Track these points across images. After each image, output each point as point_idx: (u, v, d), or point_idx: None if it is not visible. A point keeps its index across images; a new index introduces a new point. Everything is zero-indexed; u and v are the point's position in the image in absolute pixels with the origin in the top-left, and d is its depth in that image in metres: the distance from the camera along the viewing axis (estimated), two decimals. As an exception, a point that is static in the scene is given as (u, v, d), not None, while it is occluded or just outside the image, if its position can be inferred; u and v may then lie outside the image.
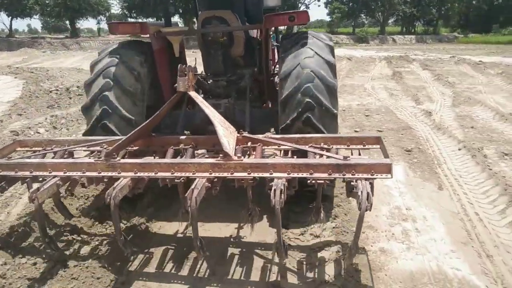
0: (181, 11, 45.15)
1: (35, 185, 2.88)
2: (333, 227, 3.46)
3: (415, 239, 3.35)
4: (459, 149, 5.60)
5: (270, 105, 4.69)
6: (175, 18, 47.50)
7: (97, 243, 3.38)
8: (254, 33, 4.98)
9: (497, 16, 56.92)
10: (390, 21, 61.99)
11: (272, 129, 4.45)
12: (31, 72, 14.92)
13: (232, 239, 3.47)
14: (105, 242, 3.39)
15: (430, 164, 5.07)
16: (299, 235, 3.42)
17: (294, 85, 3.47)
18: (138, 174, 2.85)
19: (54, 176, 2.91)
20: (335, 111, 3.53)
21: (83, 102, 3.91)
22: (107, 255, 3.21)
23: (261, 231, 3.48)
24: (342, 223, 3.55)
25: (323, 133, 3.38)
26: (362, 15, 60.22)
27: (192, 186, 2.63)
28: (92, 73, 3.91)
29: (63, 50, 31.94)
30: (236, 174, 2.74)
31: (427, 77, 14.30)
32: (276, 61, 4.99)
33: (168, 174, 2.82)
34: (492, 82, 12.59)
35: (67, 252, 3.23)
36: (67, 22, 48.92)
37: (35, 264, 3.07)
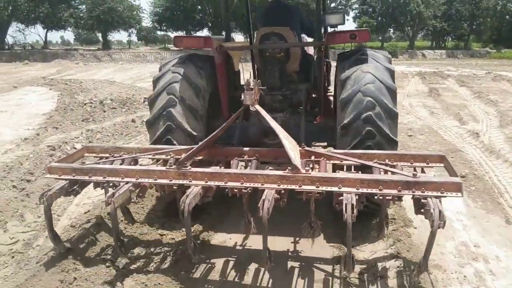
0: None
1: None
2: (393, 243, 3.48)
3: (492, 284, 2.99)
4: (519, 176, 5.18)
5: (322, 119, 4.52)
6: (204, 32, 48.11)
7: (161, 250, 3.48)
8: (309, 49, 5.12)
9: (532, 31, 55.29)
10: (419, 36, 60.96)
11: (325, 143, 4.43)
12: (65, 84, 15.18)
13: (290, 253, 3.49)
14: (168, 250, 3.49)
15: (490, 193, 4.68)
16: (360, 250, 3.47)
17: (355, 112, 3.46)
18: (209, 183, 2.93)
19: (127, 182, 3.03)
20: (396, 139, 3.54)
21: (148, 117, 4.02)
22: (172, 263, 3.30)
23: (318, 245, 3.51)
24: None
25: None
26: (391, 29, 59.55)
27: (263, 197, 2.71)
28: (155, 89, 4.01)
29: (95, 62, 32.64)
30: (304, 187, 2.78)
31: (466, 94, 13.75)
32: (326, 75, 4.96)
33: (237, 184, 2.89)
34: (538, 101, 11.97)
35: (133, 259, 3.32)
36: (99, 34, 50.08)
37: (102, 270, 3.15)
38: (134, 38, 67.25)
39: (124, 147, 3.80)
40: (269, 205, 2.62)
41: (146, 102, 10.95)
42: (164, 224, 3.94)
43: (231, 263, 3.34)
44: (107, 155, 3.61)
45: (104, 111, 9.95)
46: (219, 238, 3.77)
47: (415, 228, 3.83)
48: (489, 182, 5.07)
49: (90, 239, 3.56)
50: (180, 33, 51.55)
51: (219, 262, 3.34)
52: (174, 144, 3.68)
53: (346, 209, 2.54)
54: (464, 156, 6.27)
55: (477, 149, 6.71)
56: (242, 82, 4.73)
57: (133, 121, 8.39)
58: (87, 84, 15.70)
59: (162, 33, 58.25)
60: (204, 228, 3.85)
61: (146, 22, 51.99)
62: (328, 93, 4.95)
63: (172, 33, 54.59)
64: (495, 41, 60.13)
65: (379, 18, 52.70)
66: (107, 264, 3.21)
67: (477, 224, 3.90)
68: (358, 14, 55.29)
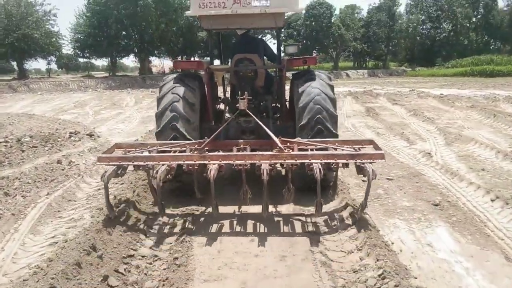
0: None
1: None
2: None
3: None
4: (492, 200, 4.94)
5: (284, 121, 6.16)
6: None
7: (175, 219, 4.77)
8: (270, 70, 6.68)
9: (440, 51, 60.39)
10: (341, 57, 63.99)
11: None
12: (-27, 120, 13.27)
13: (275, 213, 4.93)
14: (181, 218, 4.81)
15: (474, 223, 4.34)
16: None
17: (310, 115, 5.06)
18: (223, 162, 4.33)
19: (163, 164, 4.33)
20: (337, 133, 5.20)
21: (156, 129, 5.36)
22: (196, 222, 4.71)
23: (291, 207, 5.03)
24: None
25: None
26: (315, 52, 61.90)
27: (262, 167, 4.20)
28: (159, 107, 5.27)
29: (10, 93, 29.71)
30: (287, 161, 4.28)
31: (402, 112, 14.09)
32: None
33: (242, 161, 4.28)
34: (469, 117, 12.48)
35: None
36: (14, 63, 46.25)
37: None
38: (54, 66, 63.34)
39: (146, 143, 5.27)
40: (266, 172, 4.13)
41: (73, 138, 9.77)
42: (172, 204, 5.10)
43: (234, 221, 4.66)
44: (133, 149, 4.98)
45: (23, 151, 8.56)
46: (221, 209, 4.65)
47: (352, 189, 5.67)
48: (465, 209, 4.77)
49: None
50: (105, 60, 49.41)
51: (226, 222, 4.63)
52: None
53: (316, 172, 4.07)
54: (428, 180, 6.01)
55: (436, 171, 6.51)
56: (220, 95, 6.70)
57: (58, 162, 7.17)
58: (1, 118, 13.89)
59: (85, 60, 55.51)
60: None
61: (67, 49, 49.00)
62: (286, 103, 6.33)
63: (95, 60, 52.16)
64: (409, 60, 64.93)
65: (304, 41, 54.48)
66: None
67: (478, 266, 3.47)
68: (284, 38, 56.87)
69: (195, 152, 4.44)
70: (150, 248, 3.95)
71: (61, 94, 29.79)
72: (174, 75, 5.61)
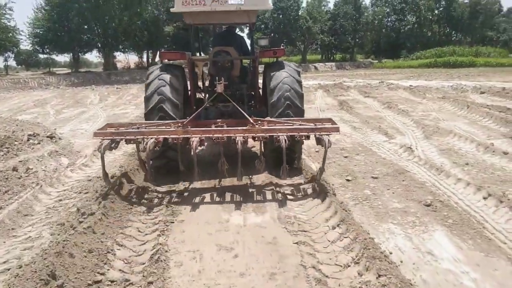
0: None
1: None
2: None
3: None
4: (485, 198, 4.72)
5: (257, 107, 6.90)
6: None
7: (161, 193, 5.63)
8: (244, 62, 7.44)
9: (405, 43, 61.49)
10: (309, 49, 64.08)
11: None
12: None
13: (249, 183, 5.69)
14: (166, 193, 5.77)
15: (472, 225, 4.08)
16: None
17: (279, 94, 5.79)
18: (203, 136, 5.10)
19: (151, 138, 4.97)
20: (302, 108, 5.94)
21: (144, 111, 5.93)
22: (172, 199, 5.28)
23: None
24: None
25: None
26: (283, 44, 61.67)
27: (237, 139, 4.94)
28: (147, 91, 5.89)
29: (-38, 92, 27.84)
30: (258, 134, 5.03)
31: (376, 105, 13.96)
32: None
33: (220, 135, 5.01)
34: (443, 108, 12.47)
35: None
36: (-33, 60, 43.59)
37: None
38: (12, 63, 60.30)
39: (135, 122, 5.85)
40: (240, 144, 4.87)
41: (32, 141, 9.00)
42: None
43: (214, 193, 5.33)
44: (124, 128, 5.36)
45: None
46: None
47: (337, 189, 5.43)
48: (460, 210, 4.51)
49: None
50: (66, 55, 47.39)
51: (207, 194, 5.33)
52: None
53: (282, 142, 4.79)
54: (414, 177, 5.75)
55: (420, 167, 6.28)
56: (199, 84, 7.37)
57: (14, 169, 6.45)
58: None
59: (46, 56, 53.05)
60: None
61: (25, 45, 46.60)
62: (259, 90, 7.05)
63: (56, 55, 49.96)
64: (375, 52, 65.88)
65: (272, 34, 54.13)
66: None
67: (486, 275, 3.19)
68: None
69: (179, 128, 5.24)
70: (120, 271, 3.45)
71: (20, 92, 28.17)
72: (160, 65, 6.28)
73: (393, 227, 4.13)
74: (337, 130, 5.07)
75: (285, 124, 5.29)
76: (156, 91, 5.77)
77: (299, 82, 5.97)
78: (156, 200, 5.12)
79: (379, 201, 4.87)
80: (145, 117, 5.89)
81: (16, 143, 8.60)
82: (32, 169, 6.51)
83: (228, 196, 5.21)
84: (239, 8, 6.09)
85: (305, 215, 4.45)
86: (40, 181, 5.96)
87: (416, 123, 9.89)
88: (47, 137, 9.35)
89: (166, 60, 6.66)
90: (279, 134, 4.94)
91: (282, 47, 6.71)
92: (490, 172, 5.90)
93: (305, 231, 4.05)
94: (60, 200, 5.18)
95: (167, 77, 5.88)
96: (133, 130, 5.15)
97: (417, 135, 8.73)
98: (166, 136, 5.03)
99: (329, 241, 3.80)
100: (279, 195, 5.11)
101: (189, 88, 6.65)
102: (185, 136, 5.06)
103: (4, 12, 38.50)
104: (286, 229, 4.10)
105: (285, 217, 4.39)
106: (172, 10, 6.39)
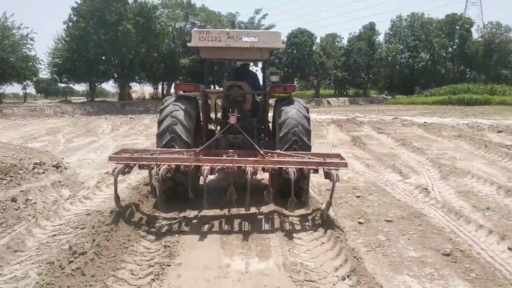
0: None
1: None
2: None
3: None
4: (510, 249, 4.32)
5: (266, 140, 6.96)
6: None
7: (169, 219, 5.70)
8: (256, 96, 7.57)
9: (418, 79, 61.54)
10: (322, 84, 64.48)
11: None
12: None
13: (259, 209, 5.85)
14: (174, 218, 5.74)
15: (497, 281, 3.69)
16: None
17: (287, 128, 6.03)
18: (214, 165, 5.22)
19: (164, 164, 5.16)
20: (310, 144, 6.15)
21: (157, 131, 6.17)
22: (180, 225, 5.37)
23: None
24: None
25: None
26: (296, 79, 62.20)
27: (247, 169, 5.09)
28: (161, 114, 6.20)
29: (-20, 119, 28.33)
30: (268, 166, 5.19)
31: (389, 142, 13.64)
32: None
33: (231, 164, 5.15)
34: (459, 147, 12.09)
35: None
36: (-13, 87, 44.64)
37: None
38: (32, 90, 61.76)
39: (148, 149, 6.36)
40: (250, 174, 5.06)
41: (37, 170, 8.86)
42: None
43: (223, 220, 5.47)
44: (138, 154, 5.54)
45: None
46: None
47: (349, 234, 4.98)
48: (482, 261, 4.12)
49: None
50: (83, 85, 48.33)
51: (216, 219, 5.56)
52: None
53: (291, 174, 4.92)
54: (431, 222, 5.37)
55: (438, 210, 5.90)
56: (212, 116, 7.47)
57: (13, 200, 6.24)
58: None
59: (64, 85, 54.20)
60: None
61: (44, 74, 47.70)
62: (269, 123, 7.16)
63: (73, 85, 51.02)
64: (389, 88, 65.97)
65: (286, 69, 54.72)
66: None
67: None
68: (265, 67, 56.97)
69: (191, 156, 5.44)
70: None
71: (36, 119, 28.60)
72: (175, 96, 6.63)
73: (409, 280, 3.75)
74: (345, 165, 5.19)
75: (295, 157, 5.44)
76: (169, 115, 6.08)
77: (307, 119, 6.20)
78: (155, 236, 4.82)
79: (393, 248, 4.50)
80: (157, 138, 6.17)
81: (21, 171, 8.45)
82: (31, 200, 6.30)
83: (234, 226, 5.28)
84: (253, 45, 6.36)
85: (313, 262, 4.10)
86: (37, 214, 5.72)
87: (431, 162, 9.52)
88: (53, 166, 9.22)
89: (181, 91, 6.87)
90: (288, 166, 5.07)
91: (292, 84, 7.53)
92: (514, 219, 5.49)
93: (312, 281, 3.69)
94: (54, 235, 4.91)
95: (181, 104, 6.21)
96: (147, 156, 5.40)
97: (433, 175, 8.36)
98: (178, 163, 5.19)
99: (337, 293, 3.45)
100: (286, 238, 4.76)
101: (201, 119, 6.87)
102: (197, 164, 5.19)
103: (25, 42, 39.74)
104: (292, 278, 3.75)
105: (291, 264, 4.04)
106: (189, 44, 6.60)
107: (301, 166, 5.11)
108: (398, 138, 14.04)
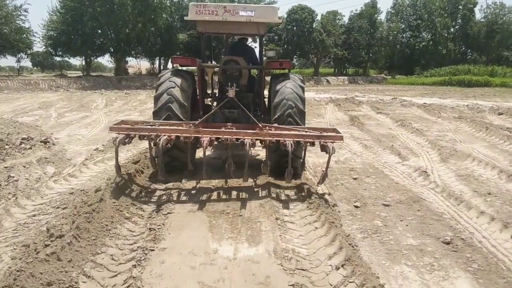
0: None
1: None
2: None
3: None
4: (513, 238, 4.10)
5: (261, 115, 6.97)
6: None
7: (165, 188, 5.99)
8: (253, 72, 7.69)
9: (419, 59, 60.80)
10: (322, 63, 63.68)
11: None
12: None
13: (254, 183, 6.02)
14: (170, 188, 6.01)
15: (501, 273, 3.47)
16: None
17: (282, 110, 6.04)
18: (213, 136, 5.49)
19: (164, 135, 5.22)
20: (303, 121, 6.21)
21: (154, 109, 6.22)
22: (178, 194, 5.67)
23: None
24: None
25: None
26: (296, 57, 61.31)
27: (245, 142, 5.26)
28: (157, 91, 6.18)
29: (-28, 91, 27.79)
30: (266, 138, 5.38)
31: (388, 122, 13.36)
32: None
33: (229, 136, 5.37)
34: (460, 129, 11.82)
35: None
36: (-20, 59, 43.75)
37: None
38: (28, 64, 60.74)
39: (148, 121, 6.07)
40: (248, 147, 5.23)
41: (24, 145, 8.56)
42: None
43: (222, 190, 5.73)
44: (138, 126, 5.62)
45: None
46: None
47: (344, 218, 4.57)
48: (485, 251, 3.90)
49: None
50: (79, 59, 47.36)
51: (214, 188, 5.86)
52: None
53: (288, 146, 5.09)
54: (430, 207, 5.14)
55: (437, 195, 5.66)
56: (208, 91, 7.62)
57: (-7, 177, 5.97)
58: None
59: (61, 59, 53.32)
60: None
61: (39, 46, 46.74)
62: (264, 99, 7.27)
63: (69, 58, 50.10)
64: (389, 68, 65.23)
65: (285, 46, 53.85)
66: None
67: None
68: (265, 42, 56.02)
69: (191, 128, 5.56)
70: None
71: (30, 93, 28.12)
72: (171, 70, 6.56)
73: (407, 270, 3.53)
74: (341, 138, 5.42)
75: (292, 130, 5.58)
76: (165, 92, 6.06)
77: (302, 99, 6.21)
78: (140, 218, 4.58)
79: (391, 235, 4.27)
80: (153, 115, 6.19)
81: (7, 147, 8.16)
82: (13, 177, 6.02)
83: (234, 191, 5.66)
84: (249, 19, 6.38)
85: (305, 249, 3.87)
86: (18, 192, 5.44)
87: (431, 144, 9.26)
88: (41, 142, 8.92)
89: (178, 65, 7.01)
90: (286, 139, 5.24)
91: (288, 60, 7.14)
92: (517, 205, 5.26)
93: (304, 269, 3.46)
94: (34, 215, 4.65)
95: (177, 80, 6.17)
96: (147, 127, 5.51)
97: (433, 157, 8.10)
98: (178, 134, 5.30)
99: (331, 285, 3.21)
100: (278, 222, 4.52)
101: (197, 93, 6.88)
102: (197, 135, 5.40)
103: (19, 13, 38.75)
104: (282, 266, 3.51)
105: (282, 250, 3.80)
106: (185, 18, 6.59)
107: (299, 139, 5.32)
108: (397, 118, 13.75)
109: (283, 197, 5.40)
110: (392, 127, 12.37)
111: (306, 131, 5.63)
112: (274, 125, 5.89)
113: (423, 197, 5.54)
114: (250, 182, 5.82)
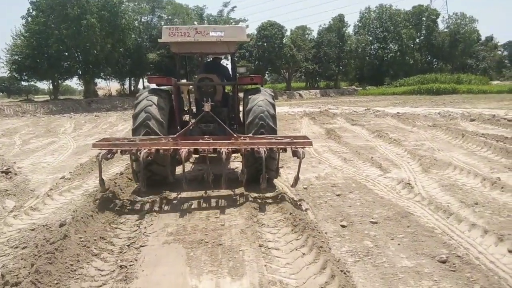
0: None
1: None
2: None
3: None
4: (511, 251, 3.88)
5: (236, 128, 7.42)
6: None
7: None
8: (226, 87, 7.85)
9: (388, 70, 62.27)
10: (294, 77, 64.20)
11: None
12: None
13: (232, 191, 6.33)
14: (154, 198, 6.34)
15: (506, 294, 3.22)
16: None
17: (254, 114, 6.51)
18: (192, 147, 5.96)
19: (145, 148, 5.52)
20: (276, 128, 6.62)
21: (132, 127, 6.59)
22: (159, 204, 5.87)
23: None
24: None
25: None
26: (267, 72, 61.62)
27: (221, 151, 5.67)
28: (136, 109, 6.57)
29: None
30: (241, 147, 5.78)
31: (365, 134, 13.27)
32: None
33: (206, 147, 5.82)
34: (436, 137, 11.81)
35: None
36: None
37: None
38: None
39: (129, 137, 6.41)
40: (225, 155, 5.63)
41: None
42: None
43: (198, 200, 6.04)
44: (120, 141, 6.13)
45: None
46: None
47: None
48: (484, 269, 3.65)
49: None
50: (46, 82, 45.97)
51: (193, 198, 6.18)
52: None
53: (261, 153, 5.51)
54: (420, 222, 4.90)
55: (424, 208, 5.45)
56: (185, 108, 8.14)
57: None
58: None
59: (27, 83, 51.79)
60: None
61: (3, 71, 45.21)
62: (239, 113, 7.76)
63: (35, 82, 48.76)
64: (359, 79, 66.52)
65: (256, 62, 54.06)
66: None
67: None
68: (236, 59, 56.07)
69: (170, 140, 5.93)
70: None
71: (-7, 120, 26.91)
72: (148, 89, 6.93)
73: (407, 298, 3.24)
74: (310, 144, 5.93)
75: (265, 139, 5.96)
76: (143, 110, 6.40)
77: (273, 105, 6.71)
78: (109, 254, 4.14)
79: (383, 257, 3.98)
80: (132, 133, 6.50)
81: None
82: (-33, 214, 5.47)
83: (213, 199, 6.06)
84: (219, 39, 6.81)
85: (294, 279, 3.52)
86: (-28, 232, 4.91)
87: (410, 154, 9.14)
88: (2, 172, 8.31)
89: (154, 85, 7.26)
90: (259, 146, 5.65)
91: (258, 75, 8.22)
92: (506, 215, 5.08)
93: (294, 304, 3.12)
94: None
95: (154, 98, 6.52)
96: (128, 142, 5.90)
97: (414, 168, 7.96)
98: (158, 148, 5.64)
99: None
100: (262, 249, 4.16)
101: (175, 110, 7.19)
102: (175, 147, 5.72)
103: (-20, 38, 37.43)
104: (270, 302, 3.16)
105: (268, 282, 3.44)
106: (159, 40, 6.97)
107: (271, 146, 5.75)
108: (373, 129, 13.70)
109: (265, 220, 5.05)
110: (369, 138, 12.27)
111: (277, 139, 6.03)
112: (248, 135, 6.30)
113: (411, 211, 5.31)
114: (229, 204, 5.79)
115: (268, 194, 6.07)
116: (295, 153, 5.70)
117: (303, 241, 4.25)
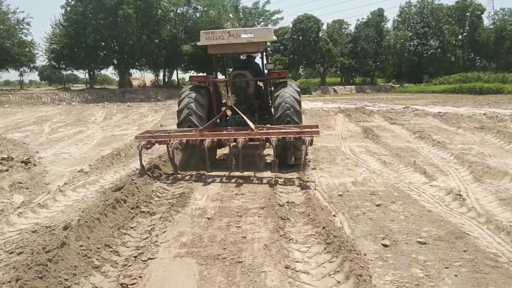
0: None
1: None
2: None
3: None
4: None
5: (268, 117, 8.68)
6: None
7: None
8: (257, 82, 9.04)
9: (427, 67, 59.70)
10: (328, 72, 62.80)
11: None
12: None
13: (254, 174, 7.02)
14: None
15: None
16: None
17: (281, 111, 7.44)
18: (215, 138, 6.78)
19: (176, 139, 6.73)
20: (300, 123, 7.48)
21: (177, 121, 7.84)
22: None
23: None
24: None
25: None
26: (302, 66, 60.50)
27: (238, 140, 6.57)
28: (180, 105, 7.77)
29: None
30: (256, 137, 6.71)
31: (405, 134, 12.30)
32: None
33: (227, 137, 6.77)
34: (486, 141, 10.71)
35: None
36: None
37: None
38: (36, 77, 60.50)
39: (168, 129, 8.46)
40: (241, 144, 6.52)
41: (1, 166, 7.64)
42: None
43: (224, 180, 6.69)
44: (159, 133, 7.40)
45: None
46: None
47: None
48: None
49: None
50: (82, 72, 46.72)
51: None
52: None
53: (272, 141, 6.43)
54: (479, 246, 4.09)
55: (482, 227, 4.61)
56: (223, 101, 9.09)
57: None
58: None
59: (68, 72, 52.94)
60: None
61: (42, 60, 46.34)
62: (270, 105, 8.78)
63: (72, 71, 49.72)
64: (397, 76, 64.17)
65: (291, 56, 53.10)
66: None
67: None
68: (270, 52, 55.30)
69: (197, 132, 6.93)
70: None
71: (31, 107, 27.49)
72: (190, 86, 8.09)
73: None
74: (317, 133, 6.70)
75: (277, 129, 6.85)
76: (185, 107, 7.59)
77: (298, 102, 7.61)
78: (111, 267, 3.59)
79: (438, 292, 3.23)
80: (177, 127, 7.69)
81: (-19, 168, 7.25)
82: (-28, 209, 5.08)
83: (235, 181, 6.77)
84: (250, 40, 7.72)
85: (326, 318, 2.85)
86: (-29, 230, 4.49)
87: (458, 159, 8.19)
88: (21, 162, 8.02)
89: (196, 82, 8.37)
90: (271, 136, 6.55)
91: (285, 70, 9.53)
92: None
93: None
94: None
95: (194, 95, 7.67)
96: (163, 134, 7.08)
97: (464, 175, 7.05)
98: (187, 138, 6.79)
99: None
100: (289, 271, 3.50)
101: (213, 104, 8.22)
102: (201, 138, 6.75)
103: (21, 27, 38.41)
104: None
105: (294, 321, 2.79)
106: (198, 43, 8.02)
107: (283, 136, 6.55)
108: (414, 129, 12.70)
109: (293, 234, 4.38)
110: (410, 139, 11.31)
111: (289, 129, 6.80)
112: (267, 125, 7.42)
113: (466, 231, 4.50)
114: (253, 204, 5.68)
115: (297, 198, 5.66)
116: (303, 142, 6.45)
117: (338, 264, 3.55)
